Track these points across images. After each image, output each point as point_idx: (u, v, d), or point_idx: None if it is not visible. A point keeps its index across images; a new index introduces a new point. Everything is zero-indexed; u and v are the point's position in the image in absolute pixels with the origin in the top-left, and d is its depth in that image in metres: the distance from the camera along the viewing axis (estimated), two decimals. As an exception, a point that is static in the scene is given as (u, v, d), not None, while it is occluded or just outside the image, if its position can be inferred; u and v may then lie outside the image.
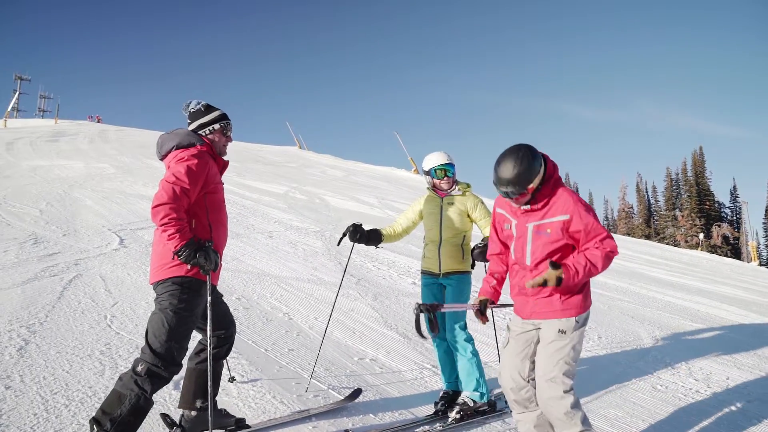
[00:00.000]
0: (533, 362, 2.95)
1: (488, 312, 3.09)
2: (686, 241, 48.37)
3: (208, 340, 2.97)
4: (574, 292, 2.84)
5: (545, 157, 2.90)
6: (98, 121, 48.63)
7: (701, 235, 40.25)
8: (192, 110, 3.22)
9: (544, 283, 2.72)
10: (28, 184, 13.84)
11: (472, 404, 3.69)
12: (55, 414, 3.29)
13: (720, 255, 29.77)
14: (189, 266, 2.87)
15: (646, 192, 61.67)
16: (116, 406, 2.72)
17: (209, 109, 3.22)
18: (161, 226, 2.78)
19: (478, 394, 3.71)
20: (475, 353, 3.77)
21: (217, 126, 3.20)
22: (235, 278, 7.00)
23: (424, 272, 4.05)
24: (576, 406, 2.76)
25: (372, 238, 4.06)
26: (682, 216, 52.96)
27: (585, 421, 2.78)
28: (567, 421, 2.75)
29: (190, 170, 2.89)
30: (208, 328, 2.96)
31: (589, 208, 2.84)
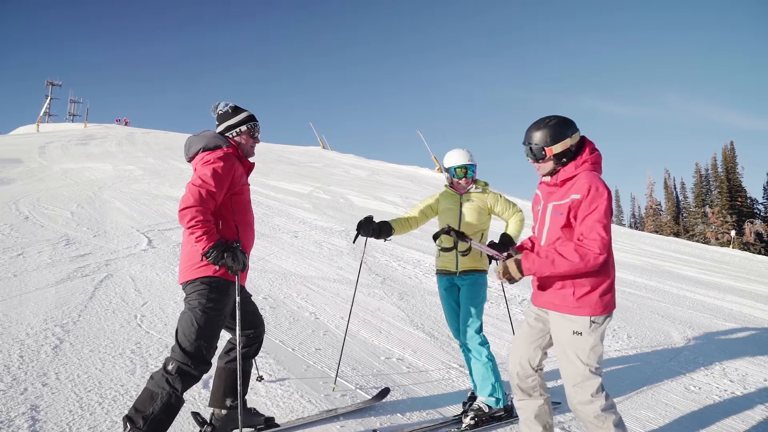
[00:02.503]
0: (545, 353, 2.92)
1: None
2: (717, 239, 47.21)
3: (237, 340, 3.00)
4: (590, 288, 2.70)
5: (586, 141, 2.85)
6: (126, 124, 49.74)
7: (733, 232, 39.21)
8: (220, 112, 3.24)
9: (506, 271, 2.74)
10: (59, 187, 14.17)
11: (487, 410, 3.61)
12: (89, 411, 3.36)
13: (753, 252, 29.01)
14: (217, 267, 2.89)
15: (675, 188, 60.34)
16: (148, 404, 2.76)
17: (237, 110, 3.23)
18: (188, 228, 2.80)
19: (494, 399, 3.63)
20: (490, 357, 3.68)
21: (244, 128, 3.21)
22: (262, 278, 7.06)
23: (439, 272, 3.95)
24: (608, 408, 2.66)
25: (383, 230, 3.92)
26: (713, 213, 51.67)
27: (619, 424, 2.69)
28: (599, 424, 2.67)
29: (216, 173, 2.91)
30: (237, 327, 2.98)
31: (602, 195, 2.64)
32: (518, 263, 2.72)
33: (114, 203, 12.14)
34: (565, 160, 2.80)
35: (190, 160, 3.14)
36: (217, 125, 3.24)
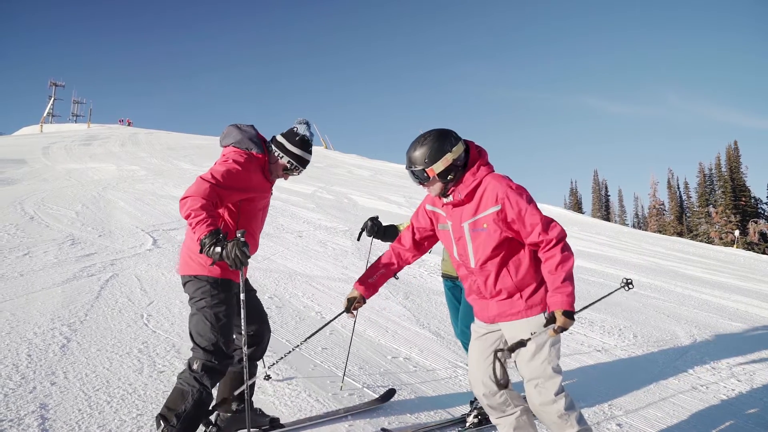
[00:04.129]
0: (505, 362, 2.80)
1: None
2: (720, 238, 47.13)
3: (243, 340, 2.97)
4: (535, 286, 2.64)
5: (469, 145, 2.72)
6: (129, 125, 49.83)
7: (737, 232, 39.12)
8: (294, 130, 3.11)
9: (561, 328, 2.44)
10: (64, 187, 14.20)
11: None
12: (98, 410, 3.36)
13: (757, 252, 28.94)
14: (213, 260, 2.74)
15: (678, 188, 60.24)
16: (180, 402, 2.77)
17: (301, 144, 3.10)
18: (186, 217, 2.70)
19: None
20: None
21: (285, 160, 3.09)
22: (267, 277, 7.06)
23: (444, 275, 3.98)
24: (570, 407, 2.58)
25: (388, 234, 3.87)
26: (716, 212, 51.56)
27: (581, 420, 2.61)
28: (562, 423, 2.57)
29: (229, 172, 2.83)
30: (243, 325, 2.95)
31: (521, 192, 2.58)
32: (566, 313, 2.44)
33: (118, 203, 12.16)
34: (451, 177, 2.65)
35: (223, 147, 3.09)
36: (283, 134, 3.12)
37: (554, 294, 2.51)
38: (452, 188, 2.69)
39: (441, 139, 2.64)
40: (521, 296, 2.65)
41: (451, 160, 2.62)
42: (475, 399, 3.73)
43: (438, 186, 2.69)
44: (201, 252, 2.65)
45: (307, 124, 3.14)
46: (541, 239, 2.54)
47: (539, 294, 2.64)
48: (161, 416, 2.76)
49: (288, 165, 3.11)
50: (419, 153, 2.64)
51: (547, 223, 2.55)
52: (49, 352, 4.19)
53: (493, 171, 2.71)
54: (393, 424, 3.49)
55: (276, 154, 3.10)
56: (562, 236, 2.54)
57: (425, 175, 2.65)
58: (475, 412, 3.58)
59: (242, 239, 2.62)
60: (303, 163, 3.13)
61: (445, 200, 2.75)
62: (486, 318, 2.77)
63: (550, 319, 2.49)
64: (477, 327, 2.86)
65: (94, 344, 4.44)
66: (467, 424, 3.54)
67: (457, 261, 2.82)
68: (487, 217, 2.60)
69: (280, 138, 3.11)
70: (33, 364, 3.95)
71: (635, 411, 3.90)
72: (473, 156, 2.69)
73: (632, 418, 3.79)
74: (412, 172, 2.70)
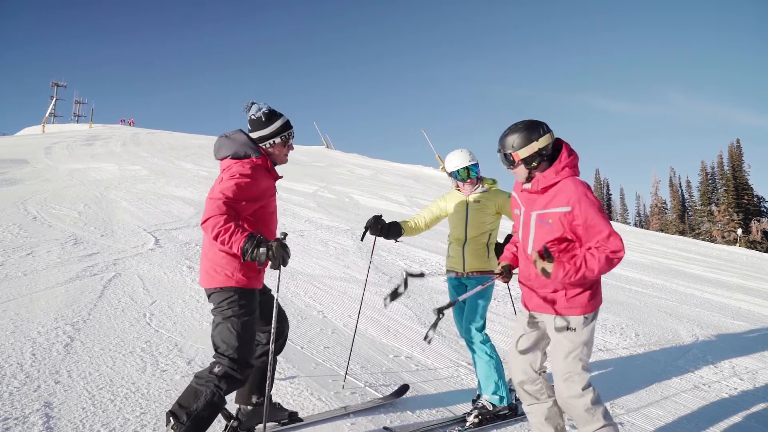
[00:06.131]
0: (545, 354, 2.95)
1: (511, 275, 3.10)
2: (723, 237, 47.06)
3: (272, 338, 3.00)
4: (582, 290, 2.76)
5: (563, 143, 2.85)
6: (131, 125, 49.87)
7: (739, 231, 39.03)
8: (252, 117, 3.09)
9: (543, 270, 2.64)
10: (66, 187, 14.22)
11: (491, 408, 3.61)
12: (101, 408, 3.38)
13: (760, 251, 28.89)
14: (260, 265, 2.82)
15: (680, 187, 60.17)
16: (192, 400, 2.79)
17: (270, 119, 3.08)
18: (215, 237, 2.73)
19: (497, 397, 3.63)
20: (492, 356, 3.66)
21: (278, 139, 3.10)
22: (268, 276, 7.03)
23: (449, 272, 3.97)
24: (597, 401, 2.73)
25: (392, 231, 3.91)
26: (719, 211, 51.47)
27: (606, 415, 2.75)
28: (589, 417, 2.72)
29: (239, 188, 2.84)
30: (273, 323, 2.99)
31: (593, 202, 2.69)
32: (545, 273, 2.62)
33: (120, 203, 12.18)
34: (535, 164, 2.81)
35: (220, 159, 3.09)
36: (250, 130, 3.11)
37: (565, 262, 2.62)
38: (535, 175, 2.83)
39: (530, 128, 2.81)
40: (565, 294, 2.78)
41: (537, 148, 2.78)
42: (476, 398, 3.76)
43: (522, 170, 2.85)
44: (244, 260, 2.73)
45: (253, 102, 3.13)
46: (599, 245, 2.66)
47: (583, 296, 2.76)
48: (172, 413, 2.77)
49: (283, 139, 3.12)
50: (509, 139, 2.83)
51: (609, 235, 2.64)
52: (53, 351, 4.21)
53: (577, 175, 2.82)
54: (395, 422, 3.51)
55: (269, 144, 3.10)
56: (616, 249, 2.63)
57: (511, 159, 2.83)
58: (476, 412, 3.59)
59: (284, 240, 2.76)
60: (288, 125, 3.15)
61: (524, 186, 2.90)
62: (530, 305, 2.93)
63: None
64: (522, 316, 3.01)
65: (97, 343, 4.46)
66: (468, 423, 3.55)
67: (520, 246, 3.00)
68: (554, 214, 2.73)
69: (255, 135, 3.09)
70: (37, 363, 3.97)
71: (637, 409, 3.91)
72: (562, 155, 2.81)
73: (634, 416, 3.80)
74: (503, 155, 2.87)
